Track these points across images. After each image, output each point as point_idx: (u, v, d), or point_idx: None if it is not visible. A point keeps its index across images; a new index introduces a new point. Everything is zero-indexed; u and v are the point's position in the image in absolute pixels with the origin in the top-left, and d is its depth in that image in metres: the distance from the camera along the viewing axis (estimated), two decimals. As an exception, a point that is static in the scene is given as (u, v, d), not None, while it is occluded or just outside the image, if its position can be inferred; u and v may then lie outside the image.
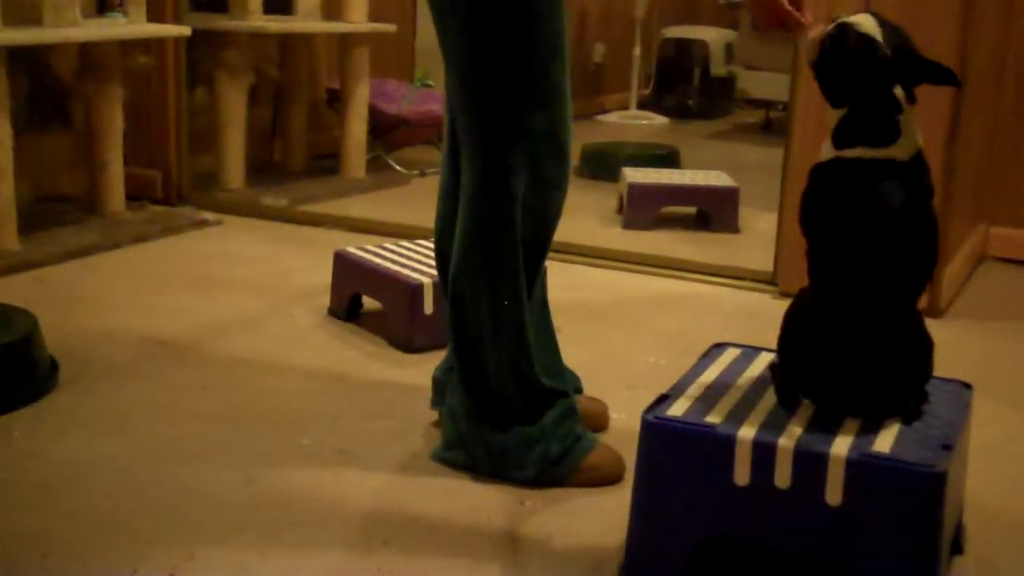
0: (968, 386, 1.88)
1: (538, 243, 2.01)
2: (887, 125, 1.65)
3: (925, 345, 1.71)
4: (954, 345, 2.85)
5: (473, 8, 1.90)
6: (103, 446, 2.17)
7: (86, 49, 3.77)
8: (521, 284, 2.00)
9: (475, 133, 1.97)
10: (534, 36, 1.91)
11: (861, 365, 1.67)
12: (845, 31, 1.66)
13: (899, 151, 1.65)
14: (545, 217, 2.01)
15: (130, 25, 3.80)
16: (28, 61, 3.73)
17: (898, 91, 1.65)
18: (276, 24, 4.55)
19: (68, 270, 3.39)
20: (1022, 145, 3.78)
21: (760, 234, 3.84)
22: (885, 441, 1.61)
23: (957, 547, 1.83)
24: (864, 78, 1.65)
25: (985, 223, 3.82)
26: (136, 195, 4.10)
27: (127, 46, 3.94)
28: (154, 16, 3.95)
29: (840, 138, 1.68)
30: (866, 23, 1.66)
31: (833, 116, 1.70)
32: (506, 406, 2.03)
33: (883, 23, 1.66)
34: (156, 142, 4.25)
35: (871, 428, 1.65)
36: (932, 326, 1.73)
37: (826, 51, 1.68)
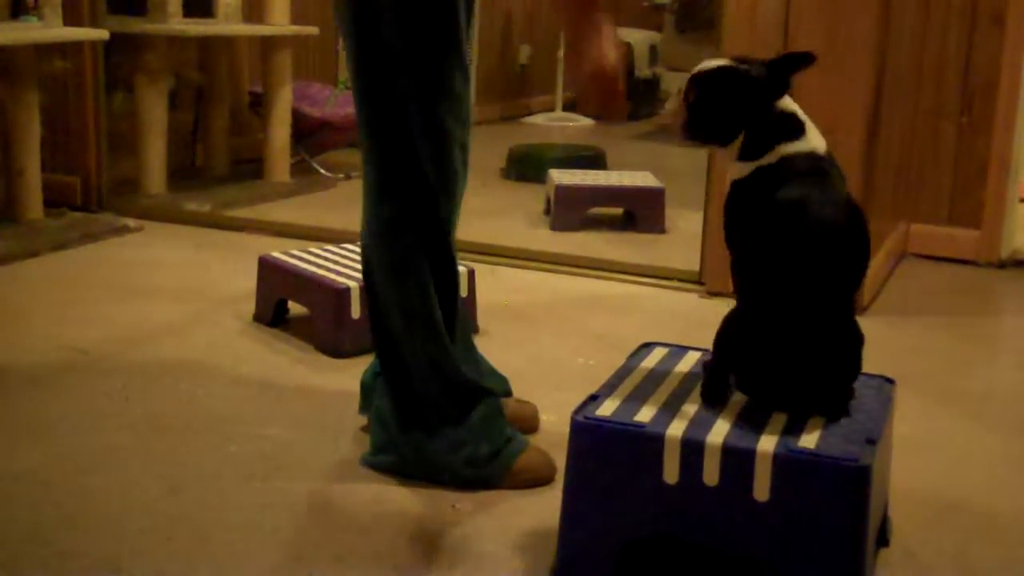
0: (891, 381, 1.91)
1: (440, 240, 2.00)
2: (794, 123, 1.69)
3: (856, 343, 1.73)
4: (877, 341, 2.88)
5: (361, 3, 1.87)
6: (24, 458, 2.13)
7: (0, 53, 3.69)
8: (427, 281, 1.98)
9: (368, 133, 1.95)
10: (428, 34, 1.88)
11: (797, 365, 1.68)
12: (708, 74, 1.71)
13: (816, 142, 1.70)
14: (445, 215, 1.98)
15: (46, 29, 3.73)
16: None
17: (788, 102, 1.70)
18: (196, 27, 4.49)
19: (-15, 279, 3.32)
20: (941, 143, 3.85)
21: (686, 234, 3.87)
22: (811, 437, 1.63)
23: (883, 539, 1.86)
24: (749, 101, 1.68)
25: (905, 221, 3.89)
26: (55, 202, 4.03)
27: (43, 50, 3.87)
28: (71, 19, 3.88)
29: (750, 152, 1.70)
30: (714, 62, 1.71)
31: (728, 152, 1.73)
32: (430, 406, 2.02)
33: (733, 59, 1.72)
34: (75, 148, 4.18)
35: (797, 424, 1.67)
36: (855, 322, 1.75)
37: (697, 101, 1.71)
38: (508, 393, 2.29)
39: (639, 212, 4.26)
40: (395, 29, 1.87)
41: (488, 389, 2.06)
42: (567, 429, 1.70)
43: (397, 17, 1.86)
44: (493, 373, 2.27)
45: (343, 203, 4.39)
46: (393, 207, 1.96)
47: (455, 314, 2.04)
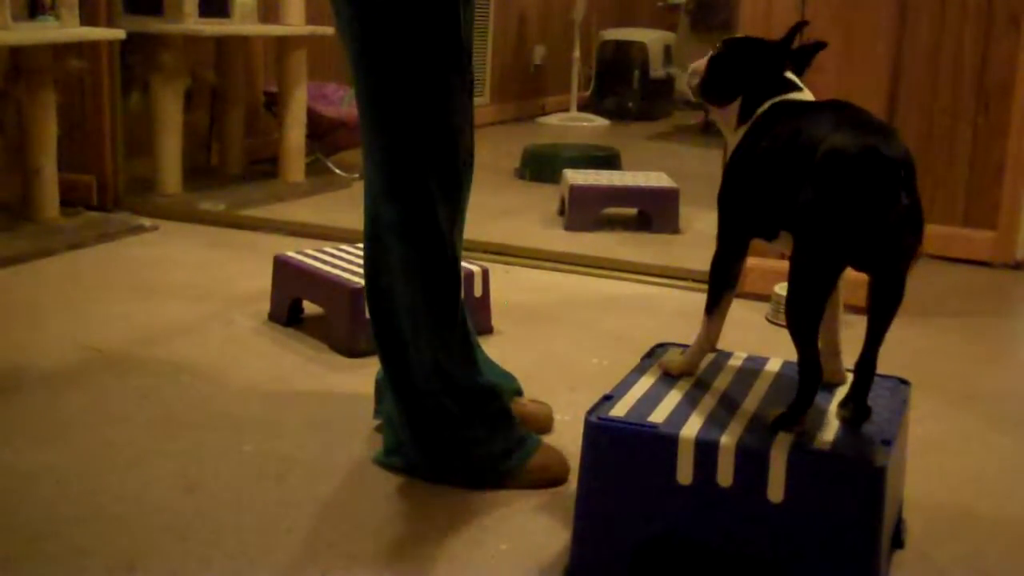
0: (906, 382, 1.91)
1: (443, 242, 1.98)
2: (788, 84, 1.80)
3: None
4: (892, 342, 2.88)
5: (362, 4, 1.87)
6: (40, 456, 2.13)
7: (17, 53, 3.71)
8: (430, 283, 1.98)
9: (370, 134, 1.95)
10: (429, 35, 1.88)
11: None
12: (735, 40, 1.87)
13: (811, 97, 1.79)
14: (448, 216, 1.97)
15: (62, 28, 3.75)
16: (-42, 65, 3.67)
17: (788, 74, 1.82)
18: (212, 27, 4.50)
19: (1, 278, 3.33)
20: (957, 144, 3.84)
21: (700, 234, 3.87)
22: (825, 437, 1.62)
23: (898, 542, 1.86)
24: (764, 63, 1.80)
25: (920, 221, 3.87)
26: (71, 201, 4.05)
27: (60, 50, 3.88)
28: (87, 19, 3.90)
29: (746, 116, 1.79)
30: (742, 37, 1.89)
31: (727, 113, 1.83)
32: (436, 408, 2.01)
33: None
34: (91, 147, 4.20)
35: (811, 425, 1.66)
36: (870, 323, 1.75)
37: (717, 59, 1.84)
38: (518, 392, 2.29)
39: (653, 212, 4.25)
40: (396, 31, 1.87)
41: (494, 390, 2.06)
42: (581, 429, 1.70)
43: (398, 18, 1.86)
44: (501, 374, 2.27)
45: (358, 203, 4.35)
46: (396, 209, 1.95)
47: (459, 315, 2.04)
